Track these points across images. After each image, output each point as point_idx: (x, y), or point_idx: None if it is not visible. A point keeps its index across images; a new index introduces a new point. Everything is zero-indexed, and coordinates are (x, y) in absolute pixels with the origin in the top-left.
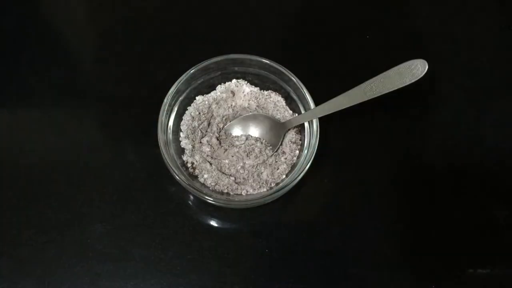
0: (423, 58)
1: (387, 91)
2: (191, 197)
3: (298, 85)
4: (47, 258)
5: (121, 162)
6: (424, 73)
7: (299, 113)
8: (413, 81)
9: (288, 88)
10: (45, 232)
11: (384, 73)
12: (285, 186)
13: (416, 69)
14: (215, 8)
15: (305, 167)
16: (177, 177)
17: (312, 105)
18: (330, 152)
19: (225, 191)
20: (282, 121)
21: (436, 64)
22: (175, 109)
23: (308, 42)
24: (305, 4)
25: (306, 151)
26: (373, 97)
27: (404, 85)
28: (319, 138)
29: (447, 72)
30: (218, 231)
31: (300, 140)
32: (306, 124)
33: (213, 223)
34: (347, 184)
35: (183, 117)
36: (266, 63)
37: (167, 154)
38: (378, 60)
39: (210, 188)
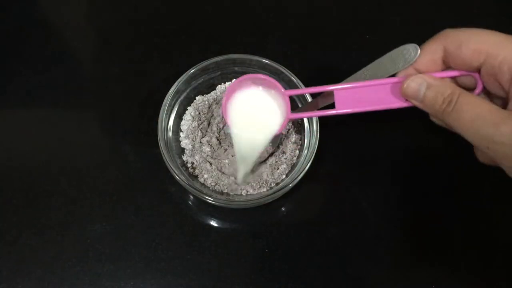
0: None
1: (382, 77)
2: (191, 197)
3: (298, 85)
4: (47, 258)
5: (121, 162)
6: (416, 57)
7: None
8: (406, 66)
9: (288, 88)
10: (45, 232)
11: (377, 60)
12: (285, 186)
13: (408, 53)
14: (215, 8)
15: (305, 167)
16: (177, 177)
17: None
18: (330, 152)
19: (225, 191)
20: None
21: None
22: (175, 109)
23: (308, 42)
24: (305, 4)
25: (306, 151)
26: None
27: (397, 70)
28: (319, 138)
29: None
30: (218, 231)
31: (300, 140)
32: (306, 124)
33: (213, 223)
34: (347, 184)
35: (183, 117)
36: (266, 63)
37: (167, 154)
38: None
39: (210, 188)
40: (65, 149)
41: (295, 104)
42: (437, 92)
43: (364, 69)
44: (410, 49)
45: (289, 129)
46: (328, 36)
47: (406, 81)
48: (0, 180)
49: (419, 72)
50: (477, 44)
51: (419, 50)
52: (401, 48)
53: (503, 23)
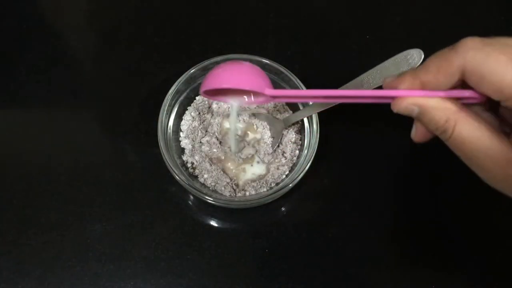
0: (425, 58)
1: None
2: (191, 197)
3: (298, 85)
4: (47, 258)
5: (121, 162)
6: (420, 62)
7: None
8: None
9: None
10: (45, 232)
11: (381, 64)
12: (285, 186)
13: (412, 58)
14: (215, 8)
15: (305, 167)
16: (177, 177)
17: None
18: (330, 152)
19: (225, 193)
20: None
21: None
22: (175, 109)
23: (308, 42)
24: (305, 4)
25: (306, 151)
26: (370, 89)
27: None
28: (319, 138)
29: None
30: (218, 231)
31: (300, 140)
32: (306, 124)
33: (213, 223)
34: (347, 184)
35: (183, 117)
36: (266, 63)
37: (167, 154)
38: (378, 60)
39: (210, 188)
40: (65, 149)
41: (298, 109)
42: (431, 119)
43: (366, 74)
44: (414, 54)
45: (289, 129)
46: (328, 36)
47: (395, 106)
48: (0, 180)
49: (425, 86)
50: (501, 81)
51: (422, 55)
52: (405, 53)
53: (503, 23)
